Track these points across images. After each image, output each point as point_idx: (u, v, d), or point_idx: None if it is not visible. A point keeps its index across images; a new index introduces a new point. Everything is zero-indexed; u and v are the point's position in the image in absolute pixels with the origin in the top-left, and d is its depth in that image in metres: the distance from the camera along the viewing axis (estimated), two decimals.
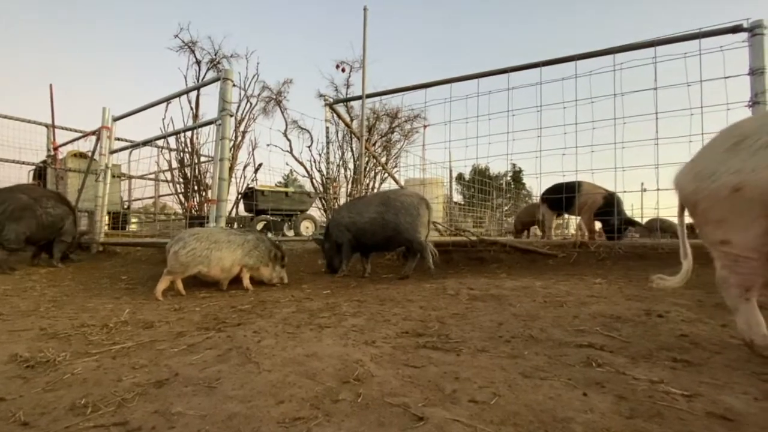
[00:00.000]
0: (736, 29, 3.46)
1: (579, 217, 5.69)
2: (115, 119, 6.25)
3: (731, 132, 1.49)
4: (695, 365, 1.41)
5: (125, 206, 8.91)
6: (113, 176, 6.89)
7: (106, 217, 6.41)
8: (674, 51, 3.70)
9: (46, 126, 8.56)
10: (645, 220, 6.47)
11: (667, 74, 3.79)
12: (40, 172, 8.43)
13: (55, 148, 8.51)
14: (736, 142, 1.42)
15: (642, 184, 4.99)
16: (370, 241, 4.01)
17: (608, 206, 4.86)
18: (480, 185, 10.56)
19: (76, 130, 8.67)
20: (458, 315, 2.21)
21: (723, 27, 3.50)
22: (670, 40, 3.72)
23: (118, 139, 7.05)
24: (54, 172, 8.30)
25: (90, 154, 7.00)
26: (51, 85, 8.30)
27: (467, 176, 12.34)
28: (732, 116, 3.38)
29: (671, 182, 1.68)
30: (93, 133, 6.89)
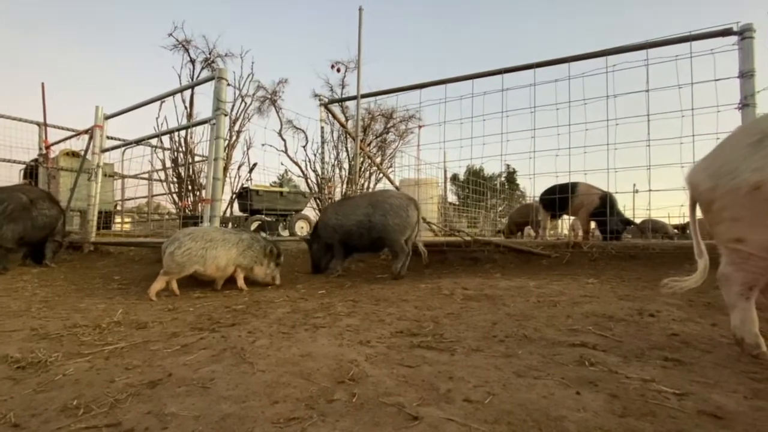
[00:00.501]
0: (726, 32, 3.50)
1: (573, 218, 5.73)
2: (107, 117, 6.20)
3: (752, 129, 1.46)
4: (686, 364, 1.43)
5: (114, 206, 8.84)
6: (105, 175, 6.83)
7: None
8: (666, 53, 3.74)
9: (38, 124, 8.47)
10: (637, 221, 6.51)
11: (660, 77, 3.83)
12: (31, 171, 8.35)
13: (47, 147, 8.43)
14: (758, 139, 1.38)
15: (634, 185, 5.03)
16: (358, 243, 4.01)
17: (605, 206, 4.90)
18: (474, 186, 10.59)
19: (68, 129, 8.60)
20: (453, 315, 2.22)
21: (713, 30, 3.54)
22: (662, 42, 3.76)
23: (111, 138, 7.00)
24: (45, 171, 8.22)
25: (82, 152, 6.94)
26: (43, 84, 8.23)
27: (462, 177, 12.38)
28: (722, 118, 3.42)
29: (684, 179, 1.64)
30: (86, 131, 6.83)
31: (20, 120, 8.24)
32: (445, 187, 10.42)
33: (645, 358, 1.49)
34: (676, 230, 8.31)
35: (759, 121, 1.52)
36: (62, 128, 8.66)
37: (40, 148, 8.50)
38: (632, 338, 1.73)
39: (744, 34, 3.44)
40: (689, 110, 3.54)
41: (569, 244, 4.09)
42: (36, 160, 8.46)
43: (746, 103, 3.38)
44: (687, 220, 8.07)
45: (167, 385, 1.29)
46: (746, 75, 3.40)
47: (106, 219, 7.80)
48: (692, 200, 1.65)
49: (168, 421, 1.05)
